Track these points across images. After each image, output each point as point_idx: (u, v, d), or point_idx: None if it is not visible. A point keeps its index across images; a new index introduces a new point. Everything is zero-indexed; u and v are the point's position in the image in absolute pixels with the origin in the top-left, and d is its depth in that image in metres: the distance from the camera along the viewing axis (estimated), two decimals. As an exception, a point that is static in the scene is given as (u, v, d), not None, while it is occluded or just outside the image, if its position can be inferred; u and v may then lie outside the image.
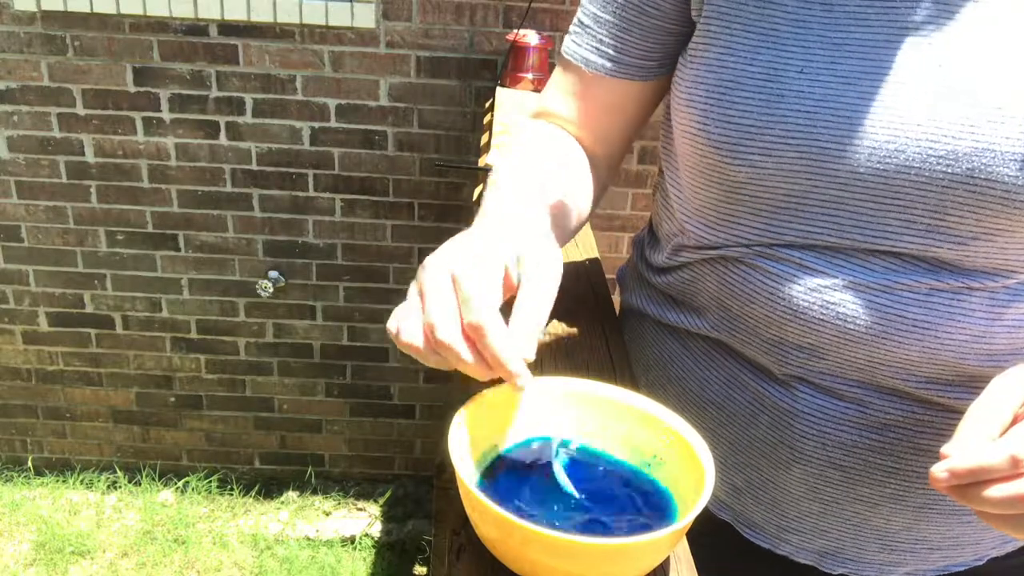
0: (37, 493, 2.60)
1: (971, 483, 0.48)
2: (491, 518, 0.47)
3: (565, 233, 0.74)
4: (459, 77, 2.19)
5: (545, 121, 0.81)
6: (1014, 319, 0.63)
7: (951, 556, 0.74)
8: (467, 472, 0.51)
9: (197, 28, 2.12)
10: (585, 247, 0.99)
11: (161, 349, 2.52)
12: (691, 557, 0.54)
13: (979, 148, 0.57)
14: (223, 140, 2.26)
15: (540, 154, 0.75)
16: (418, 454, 2.71)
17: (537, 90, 1.95)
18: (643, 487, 0.55)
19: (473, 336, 0.50)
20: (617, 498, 0.54)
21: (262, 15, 2.08)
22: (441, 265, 0.52)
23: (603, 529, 0.52)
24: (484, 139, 1.71)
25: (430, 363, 0.52)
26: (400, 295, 2.28)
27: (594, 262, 0.96)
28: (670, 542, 0.47)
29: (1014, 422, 0.50)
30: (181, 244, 2.39)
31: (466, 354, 0.49)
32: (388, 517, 2.61)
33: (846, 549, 0.74)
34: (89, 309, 2.46)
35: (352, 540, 2.53)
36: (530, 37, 1.96)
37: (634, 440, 0.57)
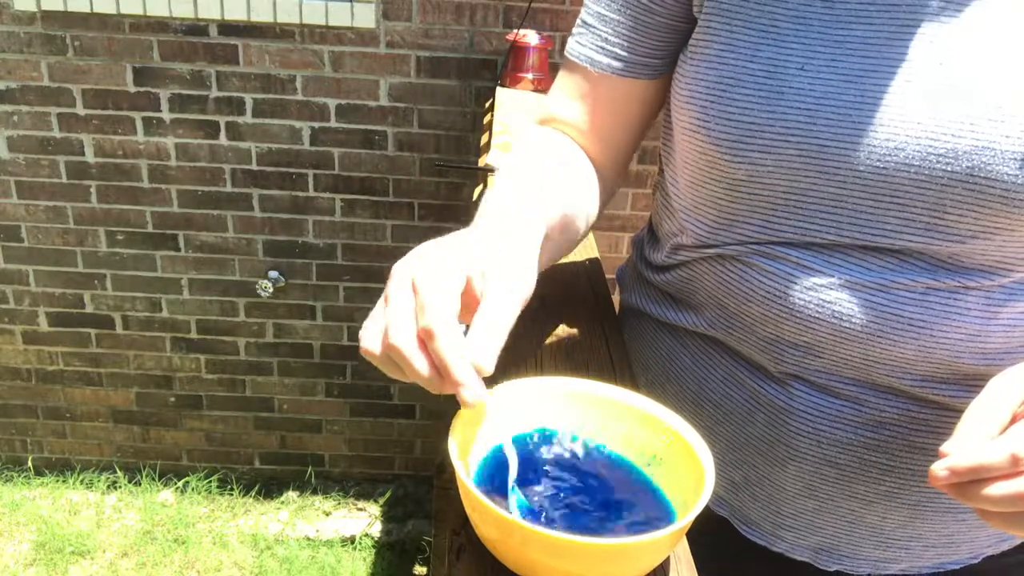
0: (37, 493, 2.60)
1: (971, 481, 0.48)
2: (491, 518, 0.47)
3: (571, 239, 0.74)
4: (459, 77, 2.19)
5: (550, 128, 0.80)
6: (1009, 318, 0.64)
7: (946, 554, 0.74)
8: (467, 472, 0.51)
9: (197, 28, 2.12)
10: (585, 247, 1.00)
11: (161, 349, 2.53)
12: (691, 557, 0.55)
13: (979, 147, 0.57)
14: (223, 140, 2.26)
15: (541, 163, 0.74)
16: (418, 454, 2.71)
17: (537, 90, 1.95)
18: (640, 488, 0.55)
19: (425, 340, 0.48)
20: (614, 498, 0.55)
21: (262, 15, 2.09)
22: (404, 271, 0.52)
23: (603, 528, 0.52)
24: (484, 139, 1.71)
25: (389, 372, 0.51)
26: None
27: (594, 262, 0.96)
28: (670, 542, 0.47)
29: (1013, 421, 0.51)
30: (181, 244, 2.39)
31: (418, 361, 0.48)
32: (388, 517, 2.61)
33: (841, 546, 0.74)
34: (89, 309, 2.46)
35: (352, 540, 2.53)
36: (530, 37, 1.96)
37: (634, 440, 0.57)
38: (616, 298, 0.92)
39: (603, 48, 0.73)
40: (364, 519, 2.60)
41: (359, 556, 2.48)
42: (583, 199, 0.75)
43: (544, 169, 0.72)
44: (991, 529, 0.74)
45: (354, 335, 2.51)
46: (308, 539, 2.52)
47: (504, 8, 2.12)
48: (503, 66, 2.05)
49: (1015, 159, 0.57)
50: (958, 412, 0.63)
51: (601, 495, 0.55)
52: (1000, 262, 0.62)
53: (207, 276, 2.43)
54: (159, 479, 2.69)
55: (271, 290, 2.41)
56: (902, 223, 0.61)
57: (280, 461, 2.71)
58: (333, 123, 2.24)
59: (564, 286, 0.88)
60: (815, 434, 0.69)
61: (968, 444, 0.49)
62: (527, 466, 0.56)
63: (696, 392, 0.77)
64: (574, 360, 0.74)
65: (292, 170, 2.30)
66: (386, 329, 0.49)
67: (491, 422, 0.56)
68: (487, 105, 2.00)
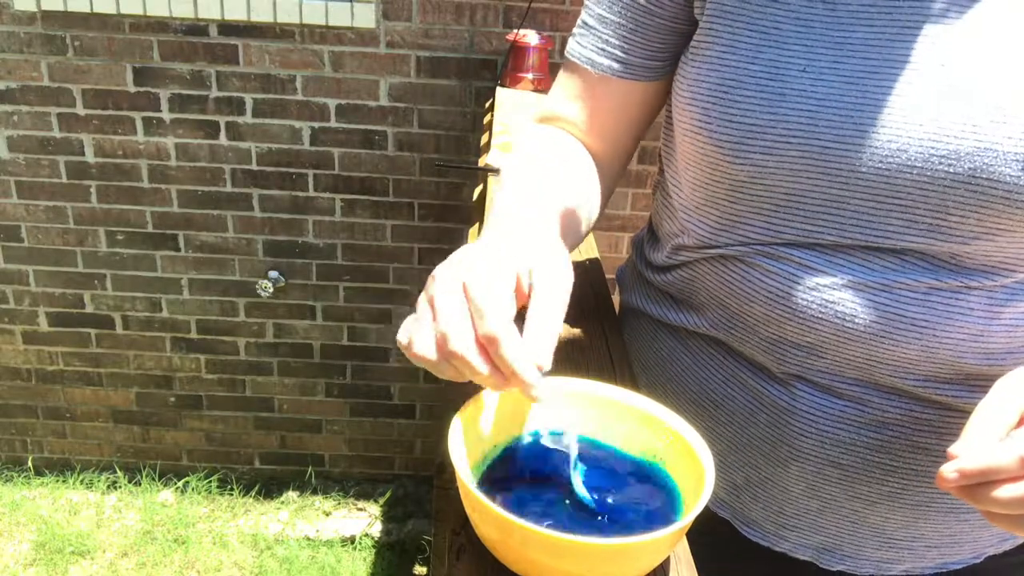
0: (37, 493, 2.60)
1: (979, 483, 0.48)
2: (491, 518, 0.47)
3: (575, 238, 0.74)
4: (459, 77, 2.19)
5: (550, 126, 0.80)
6: (1011, 318, 0.64)
7: (949, 554, 0.74)
8: (467, 472, 0.51)
9: (197, 28, 2.12)
10: (585, 247, 1.00)
11: (161, 349, 2.53)
12: (691, 557, 0.55)
13: (981, 148, 0.57)
14: (223, 140, 2.26)
15: (546, 160, 0.74)
16: (418, 454, 2.71)
17: (537, 90, 1.95)
18: (652, 479, 0.55)
19: (487, 346, 0.49)
20: (623, 492, 0.55)
21: (262, 15, 2.08)
22: (452, 275, 0.52)
23: (604, 528, 0.52)
24: (484, 139, 1.71)
25: (444, 375, 0.51)
26: (400, 295, 2.29)
27: (594, 262, 0.96)
28: (670, 542, 0.47)
29: (1020, 422, 0.50)
30: (181, 244, 2.39)
31: (480, 365, 0.49)
32: (388, 517, 2.61)
33: (844, 546, 0.74)
34: (89, 309, 2.46)
35: (352, 540, 2.53)
36: (530, 37, 1.96)
37: (634, 440, 0.57)
38: (616, 298, 0.91)
39: (603, 50, 0.73)
40: (364, 519, 2.60)
41: (359, 556, 2.48)
42: (585, 197, 0.75)
43: (546, 168, 0.72)
44: (994, 529, 0.74)
45: (354, 335, 2.51)
46: (308, 539, 2.52)
47: (504, 8, 2.12)
48: (503, 66, 2.05)
49: (1017, 160, 0.57)
50: (961, 412, 0.63)
51: (608, 491, 0.55)
52: (1002, 262, 0.61)
53: (207, 276, 2.43)
54: (159, 479, 2.69)
55: (271, 290, 2.41)
56: (904, 224, 0.61)
57: (280, 461, 2.71)
58: (333, 123, 2.24)
59: (564, 286, 0.88)
60: (818, 434, 0.69)
61: (976, 446, 0.49)
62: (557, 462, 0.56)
63: (697, 392, 0.77)
64: (574, 360, 0.74)
65: (292, 170, 2.30)
66: (443, 335, 0.49)
67: (491, 422, 0.56)
68: (487, 105, 2.00)
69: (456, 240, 2.34)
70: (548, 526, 0.48)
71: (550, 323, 0.51)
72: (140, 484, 2.66)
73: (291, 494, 2.68)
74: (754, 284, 0.68)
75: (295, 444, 2.69)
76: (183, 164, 2.28)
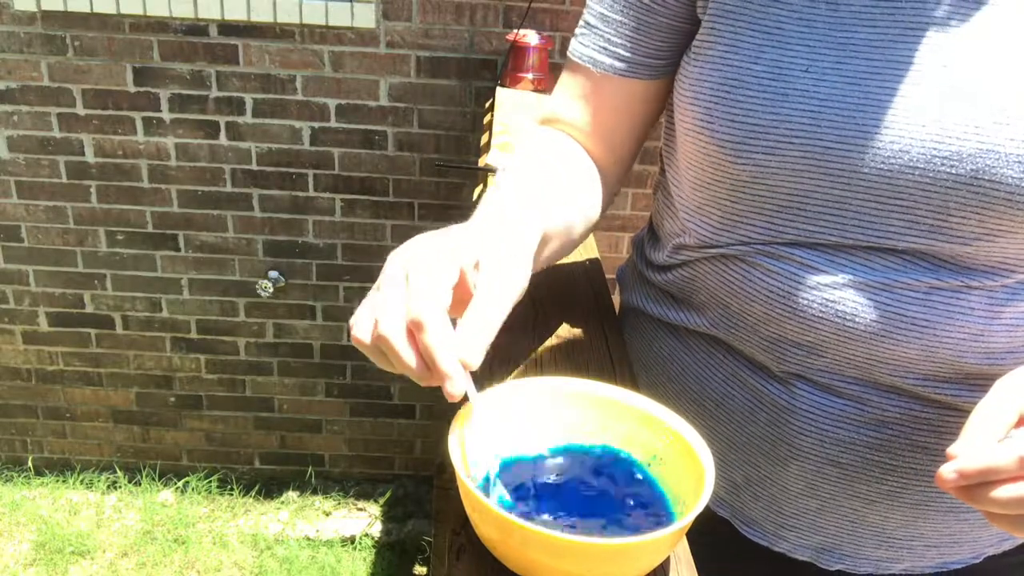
0: (37, 493, 2.60)
1: (978, 483, 0.48)
2: (491, 518, 0.47)
3: (569, 239, 0.74)
4: (459, 77, 2.19)
5: (552, 128, 0.80)
6: (1012, 318, 0.64)
7: (948, 553, 0.74)
8: (467, 472, 0.51)
9: (197, 28, 2.12)
10: (585, 247, 0.99)
11: (161, 349, 2.53)
12: (691, 557, 0.55)
13: (983, 149, 0.57)
14: (223, 140, 2.26)
15: (543, 161, 0.74)
16: (418, 454, 2.71)
17: (537, 90, 1.95)
18: (641, 486, 0.55)
19: (414, 331, 0.48)
20: (614, 498, 0.55)
21: (262, 15, 2.09)
22: (398, 261, 0.52)
23: (604, 528, 0.52)
24: (484, 139, 1.71)
25: (378, 362, 0.51)
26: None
27: (594, 262, 0.96)
28: (670, 542, 0.47)
29: (1020, 422, 0.50)
30: (181, 244, 2.39)
31: (405, 351, 0.48)
32: (388, 517, 2.61)
33: (843, 545, 0.74)
34: (89, 309, 2.46)
35: (352, 540, 2.53)
36: (530, 37, 1.96)
37: (634, 440, 0.57)
38: (616, 298, 0.91)
39: (606, 49, 0.73)
40: (364, 519, 2.60)
41: (359, 556, 2.48)
42: (584, 200, 0.75)
43: (545, 170, 0.72)
44: (993, 529, 0.74)
45: (354, 335, 2.51)
46: (308, 539, 2.52)
47: (504, 8, 2.12)
48: (503, 66, 2.05)
49: (1019, 162, 0.57)
50: (961, 411, 0.63)
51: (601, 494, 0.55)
52: (1003, 262, 0.62)
53: (207, 276, 2.43)
54: (159, 479, 2.69)
55: (271, 290, 2.41)
56: (906, 225, 0.61)
57: (280, 461, 2.71)
58: (333, 123, 2.24)
59: (564, 286, 0.88)
60: (817, 433, 0.69)
61: (975, 446, 0.49)
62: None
63: (697, 392, 0.77)
64: (574, 360, 0.74)
65: (292, 170, 2.30)
66: (376, 319, 0.49)
67: (491, 422, 0.56)
68: (487, 105, 2.00)
69: (456, 240, 2.33)
70: (557, 518, 0.48)
71: (486, 320, 0.51)
72: (140, 484, 2.66)
73: (291, 494, 2.68)
74: (755, 283, 0.68)
75: (295, 444, 2.69)
76: (183, 164, 2.28)
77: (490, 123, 1.73)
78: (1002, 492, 0.47)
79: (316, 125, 2.24)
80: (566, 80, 0.78)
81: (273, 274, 2.41)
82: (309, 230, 2.38)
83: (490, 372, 0.68)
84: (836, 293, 0.64)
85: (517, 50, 1.96)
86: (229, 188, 2.32)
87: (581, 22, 0.75)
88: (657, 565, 0.51)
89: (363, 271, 2.43)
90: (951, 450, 0.50)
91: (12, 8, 2.07)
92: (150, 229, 2.36)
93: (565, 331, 0.78)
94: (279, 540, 2.50)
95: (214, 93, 2.20)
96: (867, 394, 0.67)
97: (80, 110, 2.21)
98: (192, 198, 2.33)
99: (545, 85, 1.97)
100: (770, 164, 0.63)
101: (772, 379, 0.70)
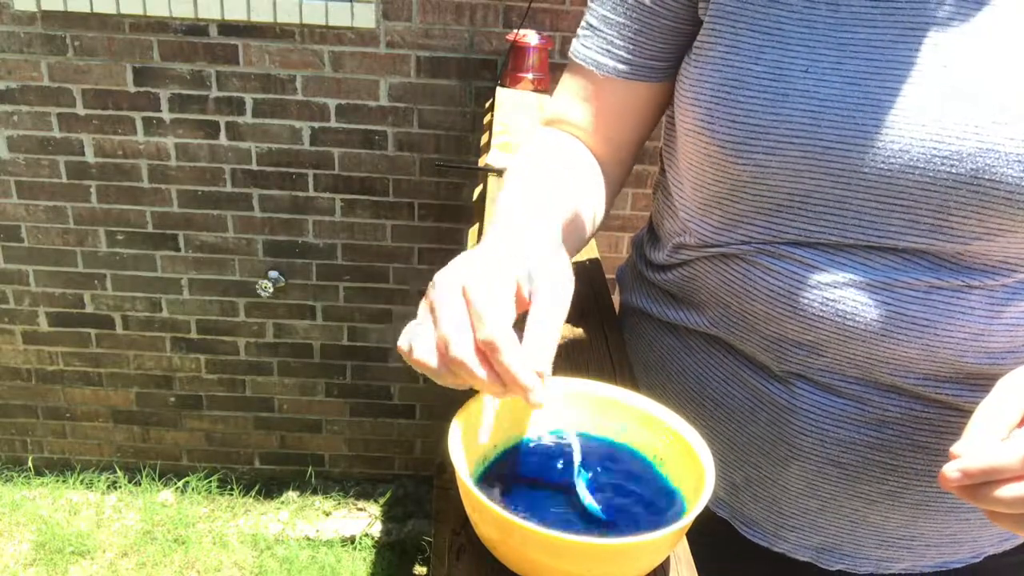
0: (37, 493, 2.60)
1: (981, 483, 0.48)
2: (491, 518, 0.47)
3: (579, 242, 0.74)
4: (459, 77, 2.19)
5: (555, 129, 0.80)
6: (1012, 317, 0.64)
7: (948, 553, 0.74)
8: (467, 472, 0.51)
9: (197, 28, 2.12)
10: (585, 247, 0.99)
11: (161, 349, 2.53)
12: (691, 557, 0.55)
13: (983, 149, 0.57)
14: (223, 140, 2.26)
15: (551, 164, 0.74)
16: (418, 454, 2.71)
17: (537, 90, 1.95)
18: (652, 483, 0.55)
19: (487, 352, 0.49)
20: (623, 495, 0.55)
21: (262, 15, 2.08)
22: (452, 281, 0.51)
23: (604, 527, 0.52)
24: (484, 139, 1.71)
25: (444, 382, 0.51)
26: (400, 295, 2.29)
27: (594, 262, 0.96)
28: (670, 542, 0.47)
29: (1022, 422, 0.50)
30: (181, 244, 2.39)
31: (479, 371, 0.49)
32: (388, 517, 2.61)
33: (843, 545, 0.74)
34: (89, 309, 2.46)
35: (352, 540, 2.53)
36: (530, 37, 1.96)
37: (634, 440, 0.57)
38: (616, 298, 0.91)
39: (608, 51, 0.73)
40: (364, 519, 2.60)
41: (359, 556, 2.48)
42: (590, 200, 0.75)
43: (551, 171, 0.72)
44: (994, 528, 0.74)
45: (354, 335, 2.51)
46: (308, 539, 2.52)
47: (504, 8, 2.12)
48: (503, 66, 2.05)
49: (1019, 161, 0.57)
50: (961, 411, 0.63)
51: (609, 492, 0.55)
52: (1003, 262, 0.62)
53: (207, 276, 2.43)
54: (159, 479, 2.69)
55: (271, 290, 2.41)
56: (906, 224, 0.61)
57: (280, 461, 2.71)
58: (333, 123, 2.24)
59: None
60: (818, 433, 0.69)
61: (978, 445, 0.49)
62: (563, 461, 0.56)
63: (697, 391, 0.77)
64: (574, 360, 0.74)
65: (292, 170, 2.30)
66: (443, 342, 0.49)
67: (491, 424, 0.56)
68: (487, 105, 2.00)
69: (456, 240, 2.34)
70: (550, 525, 0.48)
71: (550, 329, 0.51)
72: (140, 484, 2.66)
73: (291, 494, 2.68)
74: (755, 283, 0.68)
75: (295, 444, 2.69)
76: (183, 164, 2.28)
77: (490, 123, 1.73)
78: (1006, 491, 0.47)
79: (316, 125, 2.24)
80: (568, 81, 0.78)
81: (273, 274, 2.41)
82: (309, 230, 2.38)
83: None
84: (837, 292, 0.64)
85: (517, 50, 1.96)
86: (229, 188, 2.32)
87: (583, 23, 0.75)
88: (657, 565, 0.51)
89: (363, 271, 2.43)
90: (954, 449, 0.50)
91: (12, 8, 2.07)
92: (150, 229, 2.36)
93: (565, 331, 0.78)
94: (279, 540, 2.50)
95: (214, 93, 2.20)
96: (868, 394, 0.67)
97: (80, 110, 2.21)
98: (192, 198, 2.33)
99: (545, 85, 1.97)
100: (770, 164, 0.63)
101: (772, 379, 0.70)
